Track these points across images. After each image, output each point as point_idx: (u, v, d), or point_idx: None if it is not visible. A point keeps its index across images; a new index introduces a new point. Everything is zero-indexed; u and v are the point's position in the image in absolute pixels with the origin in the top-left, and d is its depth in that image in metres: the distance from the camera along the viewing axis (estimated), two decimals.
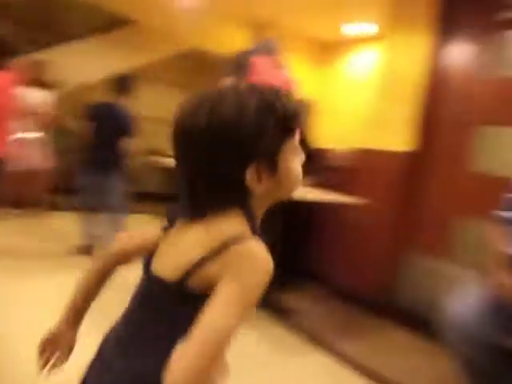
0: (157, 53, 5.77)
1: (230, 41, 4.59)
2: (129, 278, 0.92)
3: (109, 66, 5.18)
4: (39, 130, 4.30)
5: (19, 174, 3.93)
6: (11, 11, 5.13)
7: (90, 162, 3.52)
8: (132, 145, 3.60)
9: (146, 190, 6.05)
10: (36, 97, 4.27)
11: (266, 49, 2.89)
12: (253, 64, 2.75)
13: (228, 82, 2.70)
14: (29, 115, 4.08)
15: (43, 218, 4.52)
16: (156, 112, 6.09)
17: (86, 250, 3.47)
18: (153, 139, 5.83)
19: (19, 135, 3.86)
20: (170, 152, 0.79)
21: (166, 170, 5.57)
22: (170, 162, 3.94)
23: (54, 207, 4.77)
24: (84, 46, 5.41)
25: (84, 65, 4.93)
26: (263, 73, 2.73)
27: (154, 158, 5.44)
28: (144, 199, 5.66)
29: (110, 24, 5.61)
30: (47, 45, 5.09)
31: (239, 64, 2.77)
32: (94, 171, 3.48)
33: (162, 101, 6.32)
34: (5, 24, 4.68)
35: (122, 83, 3.64)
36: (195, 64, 6.66)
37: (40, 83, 4.36)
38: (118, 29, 5.60)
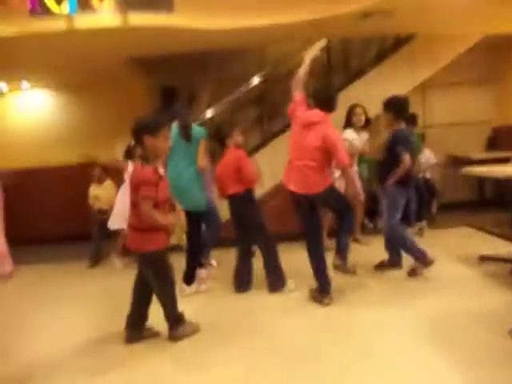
0: (445, 56, 5.67)
1: None
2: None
3: (395, 89, 5.17)
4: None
5: None
6: None
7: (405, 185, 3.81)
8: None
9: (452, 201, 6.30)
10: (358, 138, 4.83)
11: None
12: None
13: None
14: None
15: None
16: (454, 116, 6.61)
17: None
18: (456, 146, 6.43)
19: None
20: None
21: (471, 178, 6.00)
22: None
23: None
24: (371, 76, 5.62)
25: (379, 94, 4.90)
26: None
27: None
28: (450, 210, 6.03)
29: (392, 47, 5.76)
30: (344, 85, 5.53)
31: None
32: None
33: (457, 103, 6.66)
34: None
35: (398, 105, 3.79)
36: (488, 54, 6.49)
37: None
38: (400, 49, 5.67)
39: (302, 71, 3.54)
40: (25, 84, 6.59)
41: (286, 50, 5.91)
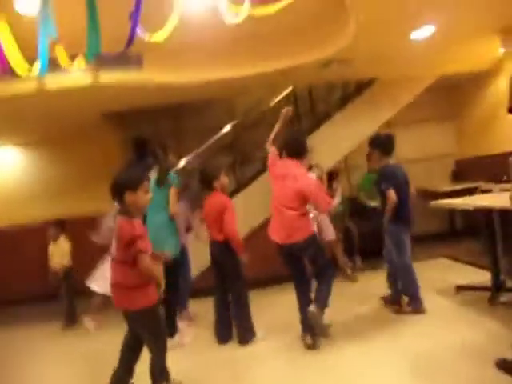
0: (404, 97, 5.92)
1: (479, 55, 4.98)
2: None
3: (361, 130, 5.55)
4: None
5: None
6: None
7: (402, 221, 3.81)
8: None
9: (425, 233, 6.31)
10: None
11: None
12: None
13: None
14: None
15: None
16: (419, 152, 6.84)
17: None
18: (423, 180, 6.52)
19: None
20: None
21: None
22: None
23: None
24: (337, 119, 5.78)
25: (345, 135, 5.19)
26: None
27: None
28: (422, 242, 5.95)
29: (354, 91, 5.99)
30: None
31: None
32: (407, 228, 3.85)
33: (421, 140, 6.92)
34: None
35: (384, 143, 3.88)
36: (447, 92, 6.85)
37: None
38: (360, 93, 5.89)
39: (272, 135, 3.72)
40: None
41: (255, 99, 6.13)
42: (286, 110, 3.76)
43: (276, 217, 3.50)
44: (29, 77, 3.46)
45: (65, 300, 4.96)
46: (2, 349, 4.35)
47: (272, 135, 3.73)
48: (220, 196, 3.70)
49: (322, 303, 3.39)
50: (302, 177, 3.43)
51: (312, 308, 3.34)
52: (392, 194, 3.71)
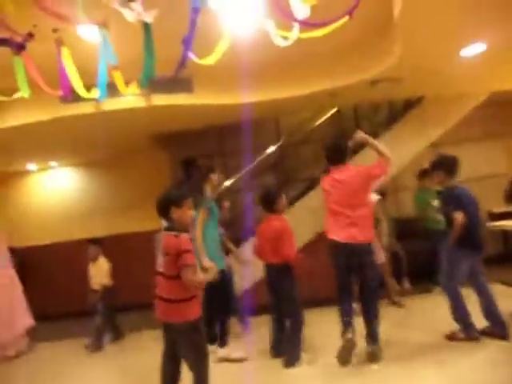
0: (454, 115, 5.82)
1: None
2: None
3: (409, 149, 5.56)
4: None
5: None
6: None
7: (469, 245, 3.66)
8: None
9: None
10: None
11: None
12: None
13: None
14: None
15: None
16: (469, 172, 6.26)
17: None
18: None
19: None
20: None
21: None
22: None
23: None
24: (384, 139, 5.60)
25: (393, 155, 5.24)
26: None
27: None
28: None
29: (402, 110, 5.97)
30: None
31: None
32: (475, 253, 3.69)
33: (471, 159, 6.47)
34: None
35: (449, 164, 3.79)
36: (498, 110, 6.67)
37: None
38: (408, 112, 5.87)
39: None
40: (52, 163, 6.96)
41: (300, 119, 6.17)
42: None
43: (338, 218, 3.46)
44: (88, 100, 3.67)
45: (98, 319, 4.83)
46: (46, 363, 4.51)
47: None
48: (280, 219, 3.67)
49: (376, 338, 3.44)
50: (351, 171, 3.50)
51: (369, 349, 3.40)
52: (459, 217, 3.55)
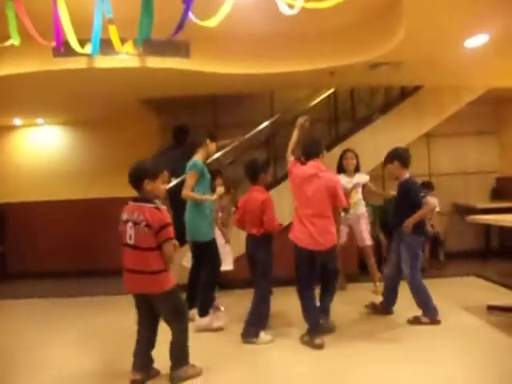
0: (451, 106, 5.78)
1: None
2: None
3: (402, 137, 5.46)
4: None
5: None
6: None
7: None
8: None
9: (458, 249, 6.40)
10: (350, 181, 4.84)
11: None
12: None
13: None
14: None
15: None
16: (457, 166, 6.73)
17: None
18: (460, 195, 6.60)
19: None
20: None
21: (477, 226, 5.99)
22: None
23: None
24: (378, 124, 5.71)
25: (385, 141, 5.07)
26: None
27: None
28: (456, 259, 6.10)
29: (398, 97, 5.95)
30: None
31: None
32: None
33: (461, 153, 6.75)
34: None
35: (403, 155, 3.94)
36: (492, 106, 6.67)
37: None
38: (406, 99, 5.83)
39: (291, 146, 3.78)
40: (39, 120, 6.79)
41: (294, 96, 6.10)
42: (303, 120, 3.79)
43: (304, 220, 3.44)
44: (81, 54, 3.55)
45: None
46: (31, 318, 4.51)
47: (290, 145, 3.77)
48: (262, 192, 3.65)
49: (327, 312, 3.65)
50: (326, 175, 3.49)
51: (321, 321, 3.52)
52: (434, 201, 3.75)
